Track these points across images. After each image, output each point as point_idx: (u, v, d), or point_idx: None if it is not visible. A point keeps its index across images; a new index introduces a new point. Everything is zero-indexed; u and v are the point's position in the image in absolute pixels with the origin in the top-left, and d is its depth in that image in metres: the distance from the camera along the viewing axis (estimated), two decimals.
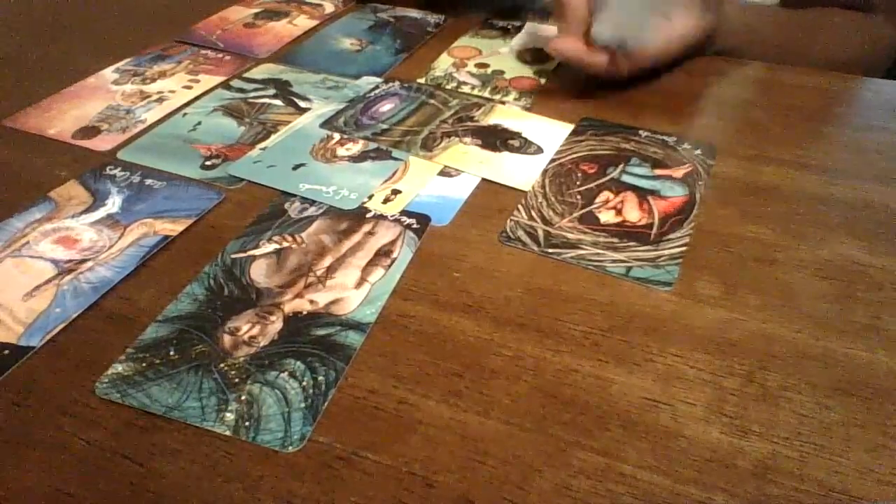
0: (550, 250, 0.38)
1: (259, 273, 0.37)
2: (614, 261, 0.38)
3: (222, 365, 0.31)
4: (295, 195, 0.42)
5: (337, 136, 0.48)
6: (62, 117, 0.50)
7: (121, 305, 0.35)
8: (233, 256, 0.38)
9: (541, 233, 0.40)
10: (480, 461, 0.28)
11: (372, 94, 0.53)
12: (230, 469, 0.28)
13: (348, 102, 0.52)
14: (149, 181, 0.43)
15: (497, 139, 0.48)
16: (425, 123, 0.49)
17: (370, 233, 0.39)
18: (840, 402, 0.31)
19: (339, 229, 0.40)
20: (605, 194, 0.43)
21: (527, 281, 0.36)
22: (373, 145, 0.47)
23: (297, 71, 0.57)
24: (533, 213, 0.41)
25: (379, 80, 0.55)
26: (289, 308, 0.34)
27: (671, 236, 0.39)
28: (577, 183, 0.44)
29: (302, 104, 0.52)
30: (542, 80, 0.56)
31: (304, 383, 0.31)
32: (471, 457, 0.28)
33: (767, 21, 0.64)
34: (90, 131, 0.48)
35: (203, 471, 0.27)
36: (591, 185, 0.44)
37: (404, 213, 0.41)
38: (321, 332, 0.33)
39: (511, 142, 0.48)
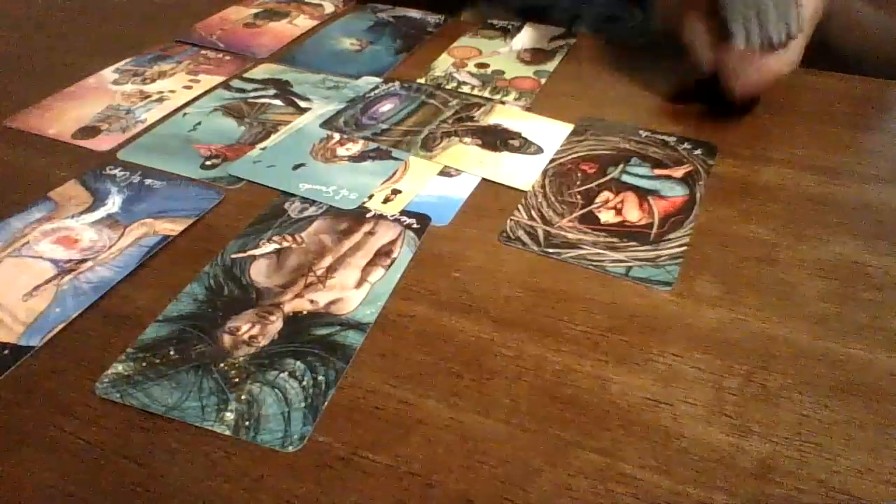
0: (550, 250, 0.38)
1: (259, 273, 0.37)
2: (614, 261, 0.38)
3: (222, 365, 0.31)
4: (295, 195, 0.42)
5: (337, 136, 0.48)
6: (62, 117, 0.50)
7: (121, 305, 0.35)
8: (233, 256, 0.38)
9: (541, 233, 0.40)
10: (480, 461, 0.28)
11: (372, 94, 0.53)
12: (230, 469, 0.28)
13: (348, 102, 0.52)
14: (149, 181, 0.43)
15: (497, 139, 0.48)
16: (425, 123, 0.49)
17: (370, 233, 0.39)
18: (840, 402, 0.30)
19: (339, 229, 0.40)
20: (605, 194, 0.43)
21: (527, 281, 0.36)
22: (373, 145, 0.47)
23: (297, 71, 0.57)
24: (533, 213, 0.41)
25: (379, 80, 0.55)
26: (289, 308, 0.34)
27: (671, 236, 0.39)
28: (577, 183, 0.44)
29: (302, 104, 0.52)
30: (542, 80, 0.56)
31: (304, 383, 0.31)
32: (471, 457, 0.28)
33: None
34: (90, 131, 0.48)
35: (203, 471, 0.27)
36: (591, 184, 0.44)
37: (404, 212, 0.41)
38: (321, 331, 0.33)
39: (511, 142, 0.48)
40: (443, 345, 0.33)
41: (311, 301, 0.35)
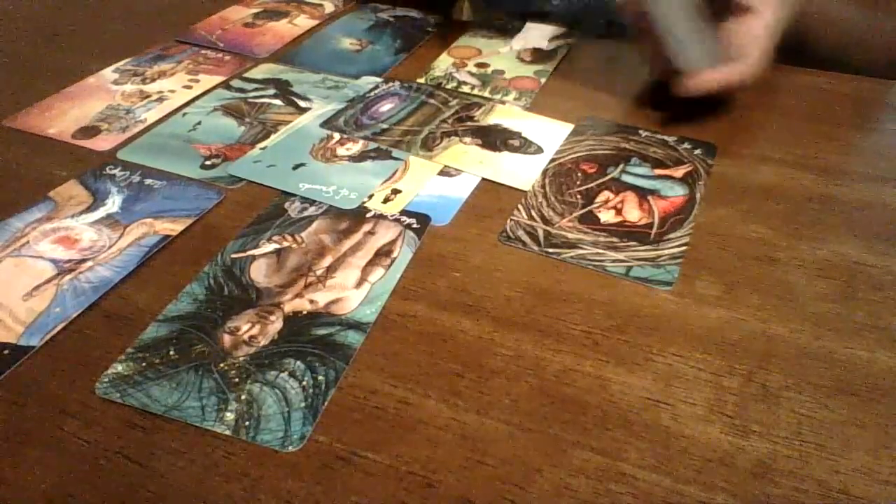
0: (550, 250, 0.38)
1: (259, 273, 0.37)
2: (614, 260, 0.38)
3: (222, 365, 0.31)
4: (295, 195, 0.42)
5: (337, 135, 0.48)
6: (62, 117, 0.50)
7: (121, 305, 0.35)
8: (233, 256, 0.38)
9: (541, 232, 0.40)
10: (480, 461, 0.28)
11: (372, 93, 0.53)
12: (230, 469, 0.28)
13: (348, 102, 0.52)
14: (149, 181, 0.43)
15: (497, 139, 0.48)
16: (425, 123, 0.49)
17: (370, 232, 0.39)
18: (840, 402, 0.31)
19: (339, 229, 0.40)
20: (605, 194, 0.43)
21: (527, 281, 0.36)
22: (373, 145, 0.47)
23: (297, 71, 0.56)
24: (533, 213, 0.41)
25: (379, 79, 0.55)
26: (289, 308, 0.34)
27: (671, 236, 0.39)
28: (577, 183, 0.44)
29: (302, 104, 0.52)
30: (542, 80, 0.56)
31: (304, 383, 0.31)
32: (471, 457, 0.28)
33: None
34: (90, 131, 0.48)
35: (203, 471, 0.27)
36: (591, 184, 0.44)
37: (404, 212, 0.41)
38: (321, 331, 0.33)
39: (511, 141, 0.48)
40: (443, 345, 0.33)
41: (311, 301, 0.35)
